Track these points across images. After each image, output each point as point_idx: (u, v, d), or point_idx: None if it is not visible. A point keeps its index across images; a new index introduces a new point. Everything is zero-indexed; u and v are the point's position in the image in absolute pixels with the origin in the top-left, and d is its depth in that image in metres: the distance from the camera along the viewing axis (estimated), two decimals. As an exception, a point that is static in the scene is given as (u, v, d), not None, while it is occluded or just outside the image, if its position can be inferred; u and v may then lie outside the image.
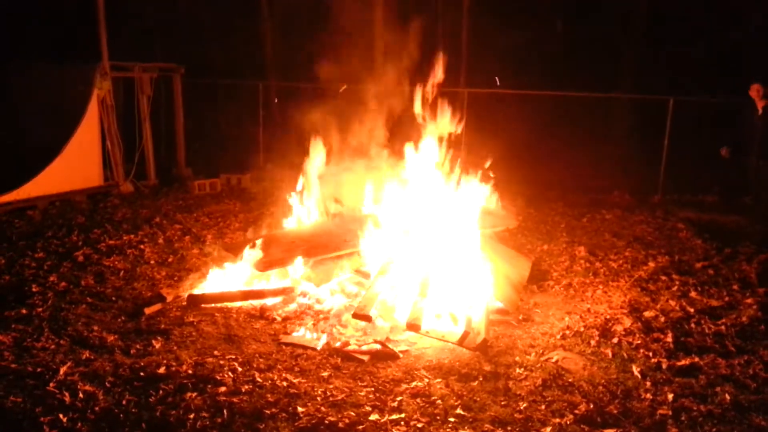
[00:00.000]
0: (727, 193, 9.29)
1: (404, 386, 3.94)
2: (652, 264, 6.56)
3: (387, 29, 12.60)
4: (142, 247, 6.76)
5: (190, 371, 4.02)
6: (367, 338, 4.57)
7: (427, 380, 4.02)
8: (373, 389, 3.90)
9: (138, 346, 4.36)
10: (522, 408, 3.71)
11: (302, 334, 4.67)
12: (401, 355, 4.35)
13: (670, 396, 3.85)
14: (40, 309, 4.95)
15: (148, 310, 5.00)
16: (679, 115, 10.27)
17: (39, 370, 3.96)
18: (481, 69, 13.38)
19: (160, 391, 3.75)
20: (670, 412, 3.69)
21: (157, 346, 4.38)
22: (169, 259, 6.44)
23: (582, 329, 4.83)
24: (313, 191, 6.87)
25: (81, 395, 3.67)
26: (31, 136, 8.99)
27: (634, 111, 13.01)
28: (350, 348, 4.42)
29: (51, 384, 3.78)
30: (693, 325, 4.95)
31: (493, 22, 13.04)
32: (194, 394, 3.73)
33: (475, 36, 14.02)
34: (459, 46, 14.21)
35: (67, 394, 3.68)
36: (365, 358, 4.31)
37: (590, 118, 12.70)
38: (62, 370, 3.95)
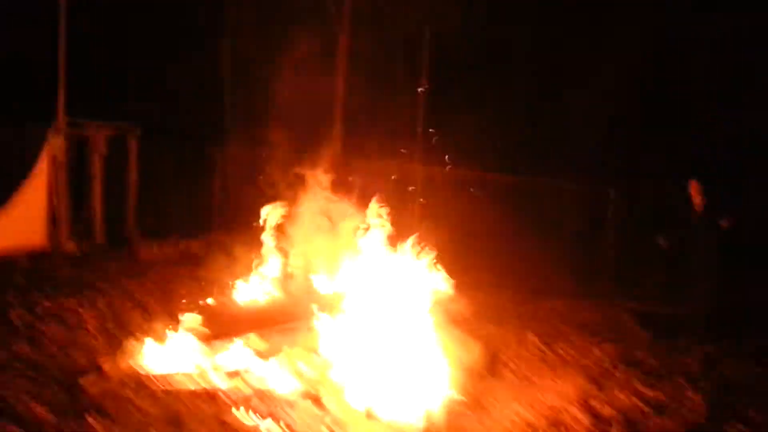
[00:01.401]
0: (670, 284, 9.58)
1: (353, 476, 3.80)
2: (598, 353, 6.65)
3: (346, 103, 13.00)
4: (81, 311, 6.46)
5: (125, 453, 3.78)
6: (317, 423, 4.42)
7: (377, 470, 3.89)
8: (321, 479, 3.74)
9: (71, 423, 4.09)
10: (474, 503, 3.61)
11: (248, 416, 4.48)
12: (351, 442, 4.22)
13: (620, 493, 3.83)
14: (-35, 377, 4.63)
15: (84, 382, 4.72)
16: (623, 205, 10.71)
17: (-43, 448, 3.66)
18: (434, 149, 13.77)
19: (93, 475, 3.50)
20: None
21: (92, 422, 4.12)
22: (110, 326, 6.17)
23: (532, 419, 4.81)
24: (267, 261, 6.78)
25: (3, 477, 3.39)
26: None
27: (580, 200, 13.49)
28: (299, 432, 4.27)
29: (-30, 465, 3.49)
30: (640, 418, 4.99)
31: (448, 105, 13.55)
32: (129, 479, 3.49)
33: (431, 117, 14.49)
34: (415, 124, 14.63)
35: (-13, 475, 3.39)
36: (314, 443, 4.15)
37: (538, 206, 13.09)
38: (-16, 447, 3.65)
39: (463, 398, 5.07)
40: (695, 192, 7.80)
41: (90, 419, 4.14)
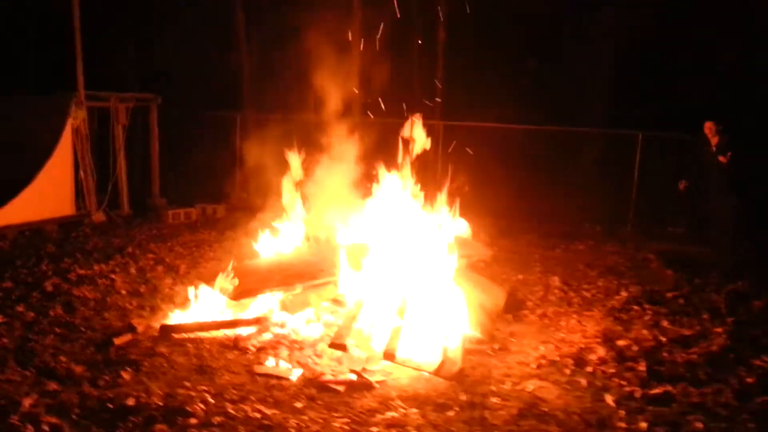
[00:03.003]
0: (695, 226, 9.48)
1: (379, 416, 3.90)
2: (624, 294, 6.65)
3: (365, 63, 12.86)
4: (113, 276, 6.65)
5: (159, 403, 3.93)
6: (342, 368, 4.53)
7: (402, 410, 3.98)
8: (348, 420, 3.84)
9: (106, 378, 4.25)
10: (498, 437, 3.69)
11: (276, 364, 4.61)
12: (377, 385, 4.31)
13: (644, 425, 3.86)
14: (5, 340, 4.82)
15: (118, 341, 4.88)
16: (648, 149, 10.55)
17: (2, 402, 3.83)
18: (456, 102, 13.61)
19: (129, 423, 3.65)
20: (644, 441, 3.70)
21: (127, 377, 4.28)
22: (141, 289, 6.34)
23: (557, 358, 4.85)
24: (290, 219, 6.87)
25: (46, 428, 3.56)
26: (4, 166, 8.86)
27: (605, 145, 13.28)
28: (325, 378, 4.37)
29: (14, 417, 3.66)
30: (665, 354, 5.00)
31: (469, 57, 13.32)
32: (164, 426, 3.63)
33: (451, 71, 14.29)
34: (434, 81, 14.46)
35: (30, 427, 3.56)
36: (341, 388, 4.26)
37: (562, 151, 12.92)
38: (26, 402, 3.83)
39: (486, 340, 5.13)
40: (711, 133, 7.69)
41: (124, 374, 4.30)
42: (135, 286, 6.41)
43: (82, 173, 9.21)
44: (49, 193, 8.68)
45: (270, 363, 4.63)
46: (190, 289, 6.02)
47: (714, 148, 7.67)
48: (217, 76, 14.18)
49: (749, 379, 4.51)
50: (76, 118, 9.16)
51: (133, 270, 6.97)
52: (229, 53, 14.31)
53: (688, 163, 8.28)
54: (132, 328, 5.15)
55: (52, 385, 4.08)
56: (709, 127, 7.69)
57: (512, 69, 13.57)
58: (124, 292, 6.23)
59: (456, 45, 14.34)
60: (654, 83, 13.24)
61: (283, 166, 7.26)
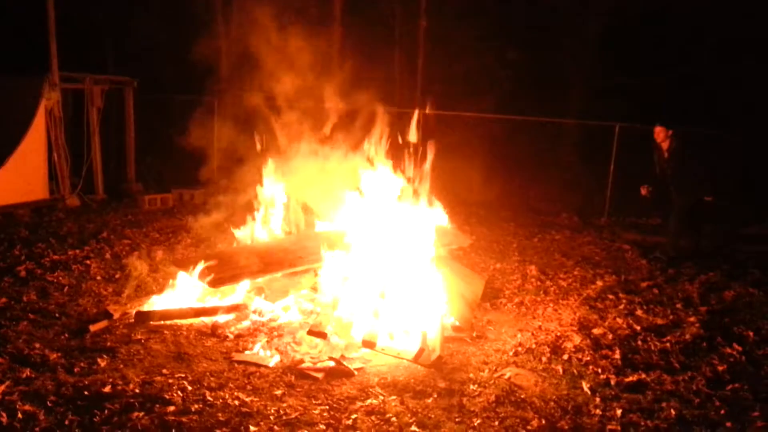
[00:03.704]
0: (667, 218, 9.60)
1: (359, 404, 3.91)
2: (599, 283, 6.75)
3: (345, 50, 12.77)
4: (88, 262, 6.55)
5: (137, 390, 3.89)
6: (321, 356, 4.53)
7: (381, 397, 4.00)
8: (327, 407, 3.85)
9: (82, 364, 4.20)
10: (476, 424, 3.72)
11: (255, 351, 4.59)
12: (356, 373, 4.32)
13: (619, 411, 3.93)
14: (-23, 326, 4.73)
15: (93, 328, 4.82)
16: (624, 140, 10.66)
17: (-25, 389, 3.77)
18: (435, 92, 13.61)
19: (105, 411, 3.60)
20: (619, 428, 3.76)
21: (103, 364, 4.22)
22: (117, 275, 6.25)
23: (534, 346, 4.91)
24: (269, 207, 6.82)
25: (20, 415, 3.50)
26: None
27: (582, 136, 13.41)
28: (304, 366, 4.37)
29: (-13, 404, 3.60)
30: (640, 343, 5.09)
31: (449, 47, 13.31)
32: (141, 414, 3.60)
33: (431, 61, 14.28)
34: (415, 70, 14.44)
35: (4, 414, 3.50)
36: (320, 375, 4.26)
37: (540, 142, 13.03)
38: (0, 389, 3.76)
39: (465, 328, 5.16)
40: (660, 138, 7.68)
41: (100, 361, 4.25)
42: (110, 272, 6.33)
43: (55, 156, 9.02)
44: (22, 177, 8.48)
45: (249, 350, 4.61)
46: (167, 276, 5.98)
47: (665, 153, 7.72)
48: (195, 59, 13.98)
49: (721, 367, 4.62)
50: (50, 100, 8.96)
51: (108, 255, 6.88)
52: (206, 36, 14.10)
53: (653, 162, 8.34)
54: (108, 315, 5.09)
55: (27, 372, 4.02)
56: (657, 132, 7.70)
57: (493, 59, 13.59)
58: (99, 278, 6.15)
59: (436, 34, 14.33)
60: (634, 76, 13.37)
61: (261, 152, 7.21)
